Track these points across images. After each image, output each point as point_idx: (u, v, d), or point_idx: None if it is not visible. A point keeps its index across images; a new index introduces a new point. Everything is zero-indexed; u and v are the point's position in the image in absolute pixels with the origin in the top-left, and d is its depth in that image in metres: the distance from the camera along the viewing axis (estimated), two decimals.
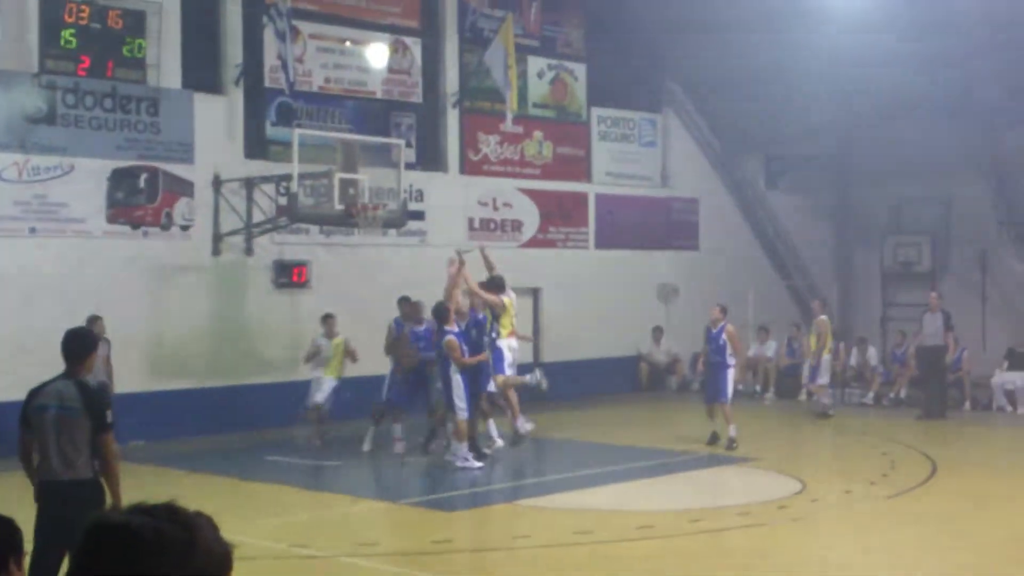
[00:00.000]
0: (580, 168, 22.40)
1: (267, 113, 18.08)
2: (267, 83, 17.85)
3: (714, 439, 15.49)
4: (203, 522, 1.82)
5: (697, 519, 11.08)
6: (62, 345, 7.10)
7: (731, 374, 15.67)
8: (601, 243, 22.41)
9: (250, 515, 11.03)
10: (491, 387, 14.37)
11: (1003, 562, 9.63)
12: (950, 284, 23.48)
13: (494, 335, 14.55)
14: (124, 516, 1.78)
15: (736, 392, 16.31)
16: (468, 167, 20.59)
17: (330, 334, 15.64)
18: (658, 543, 10.37)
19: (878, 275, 24.94)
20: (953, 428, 18.13)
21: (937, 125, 22.35)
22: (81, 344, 7.11)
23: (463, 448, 13.63)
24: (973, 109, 21.73)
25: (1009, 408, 19.70)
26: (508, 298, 14.98)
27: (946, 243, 24.22)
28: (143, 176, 16.40)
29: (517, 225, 21.16)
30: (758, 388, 21.95)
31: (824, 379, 19.29)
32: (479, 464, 13.68)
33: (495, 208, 20.85)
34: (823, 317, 19.63)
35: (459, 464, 13.60)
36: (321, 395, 15.44)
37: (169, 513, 1.80)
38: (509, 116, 19.38)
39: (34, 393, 7.06)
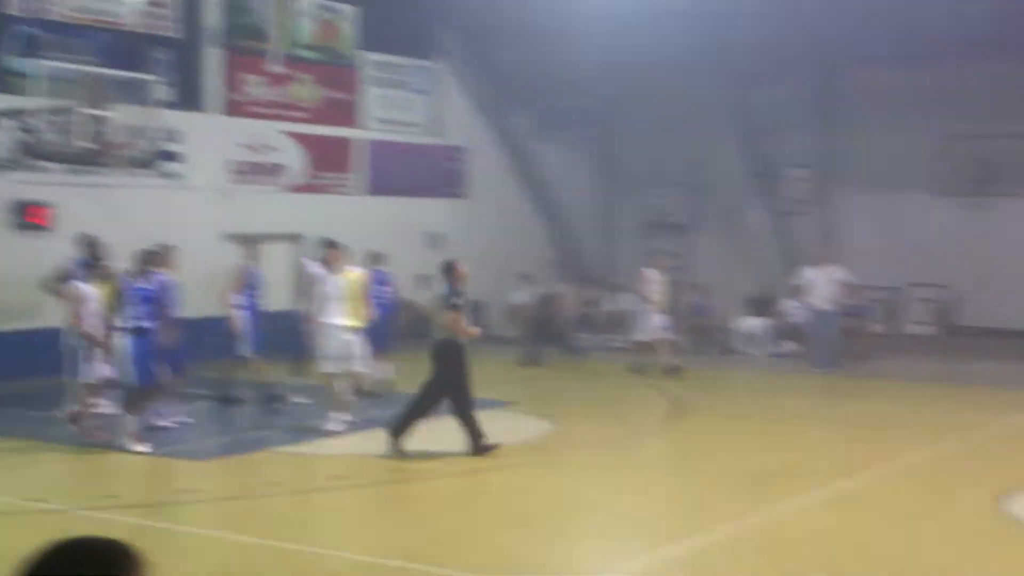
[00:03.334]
0: (349, 113, 22.04)
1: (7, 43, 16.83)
2: (5, 9, 16.61)
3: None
4: None
5: (454, 463, 11.21)
6: None
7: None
8: (370, 189, 22.18)
9: None
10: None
11: (733, 490, 10.20)
12: (703, 235, 24.67)
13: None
14: None
15: (488, 338, 16.43)
16: (230, 108, 19.87)
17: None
18: (416, 486, 10.45)
19: (639, 226, 25.79)
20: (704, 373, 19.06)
21: (695, 81, 23.18)
22: None
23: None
24: (728, 65, 22.65)
25: (751, 351, 20.98)
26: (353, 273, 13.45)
27: (698, 195, 25.19)
28: None
29: (282, 169, 20.64)
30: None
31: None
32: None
33: (259, 151, 20.25)
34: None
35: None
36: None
37: None
38: (275, 55, 18.81)
39: None
